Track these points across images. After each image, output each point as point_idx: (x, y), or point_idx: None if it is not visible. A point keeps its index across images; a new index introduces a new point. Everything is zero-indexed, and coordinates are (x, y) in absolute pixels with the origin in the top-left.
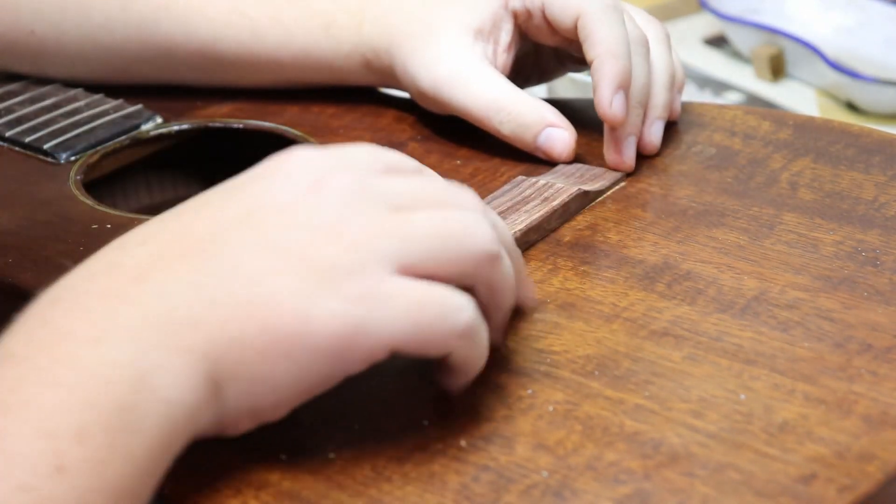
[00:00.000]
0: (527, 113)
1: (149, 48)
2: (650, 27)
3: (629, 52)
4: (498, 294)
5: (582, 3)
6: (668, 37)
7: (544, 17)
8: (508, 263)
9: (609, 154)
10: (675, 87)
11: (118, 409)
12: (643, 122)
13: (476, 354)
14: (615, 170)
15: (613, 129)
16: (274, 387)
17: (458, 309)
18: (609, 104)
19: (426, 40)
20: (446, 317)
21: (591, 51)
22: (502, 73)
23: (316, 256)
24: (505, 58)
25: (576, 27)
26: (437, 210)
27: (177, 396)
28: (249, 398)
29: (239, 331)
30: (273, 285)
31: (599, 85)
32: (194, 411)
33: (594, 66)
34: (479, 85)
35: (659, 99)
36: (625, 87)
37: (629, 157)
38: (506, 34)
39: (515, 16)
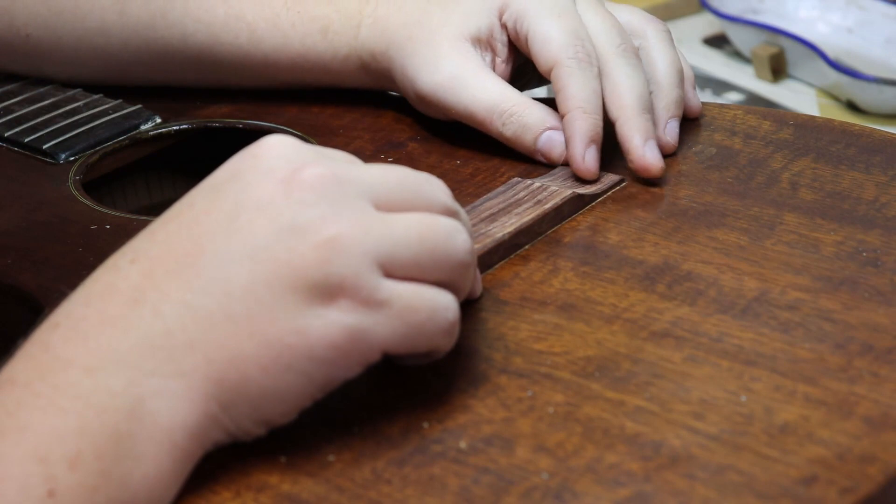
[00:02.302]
0: (528, 115)
1: (146, 52)
2: (649, 26)
3: (600, 107)
4: (462, 293)
5: (558, 53)
6: (669, 33)
7: (527, 46)
8: (475, 266)
9: (634, 161)
10: (684, 82)
11: (112, 436)
12: (657, 124)
13: (451, 344)
14: (646, 178)
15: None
16: (280, 398)
17: (445, 309)
18: (582, 159)
19: (426, 44)
20: (435, 317)
21: (563, 105)
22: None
23: (304, 264)
24: (504, 68)
25: (550, 75)
26: (421, 214)
27: (177, 420)
28: (257, 411)
29: (237, 349)
30: (266, 299)
31: (571, 141)
32: (200, 431)
33: (566, 120)
34: (480, 87)
35: (670, 98)
36: (596, 140)
37: (655, 160)
38: (502, 45)
39: (506, 30)
